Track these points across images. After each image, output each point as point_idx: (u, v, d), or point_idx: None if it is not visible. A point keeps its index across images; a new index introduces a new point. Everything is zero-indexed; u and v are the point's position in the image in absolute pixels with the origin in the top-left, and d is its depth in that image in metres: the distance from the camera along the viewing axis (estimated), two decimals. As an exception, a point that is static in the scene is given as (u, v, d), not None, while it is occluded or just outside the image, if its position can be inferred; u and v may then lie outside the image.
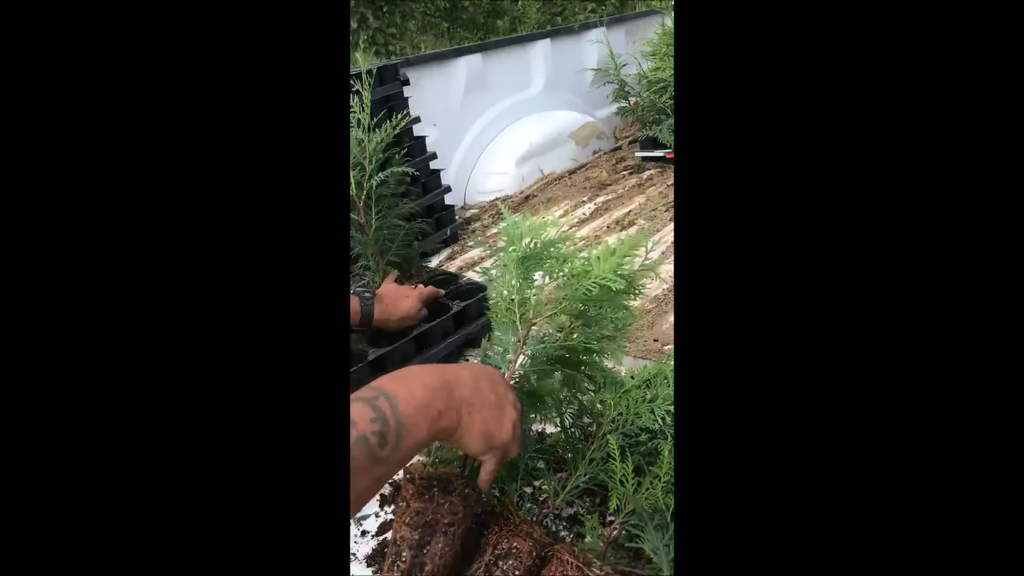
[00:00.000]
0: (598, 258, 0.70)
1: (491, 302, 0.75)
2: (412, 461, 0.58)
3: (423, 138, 1.75)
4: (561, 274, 0.70)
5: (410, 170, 1.24)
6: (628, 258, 0.70)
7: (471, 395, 0.56)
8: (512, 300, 0.72)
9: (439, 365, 0.59)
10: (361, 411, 0.48)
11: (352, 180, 1.13)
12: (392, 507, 0.87)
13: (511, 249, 0.70)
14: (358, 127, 1.17)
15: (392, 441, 0.48)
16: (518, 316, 0.72)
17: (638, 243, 0.70)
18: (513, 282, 0.71)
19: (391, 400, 0.49)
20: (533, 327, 0.72)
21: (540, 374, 0.74)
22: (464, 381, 0.56)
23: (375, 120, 1.19)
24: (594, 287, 0.67)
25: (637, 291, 0.73)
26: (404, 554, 0.63)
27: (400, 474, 0.62)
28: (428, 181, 1.76)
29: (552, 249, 0.70)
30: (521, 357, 0.73)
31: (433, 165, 1.80)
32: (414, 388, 0.52)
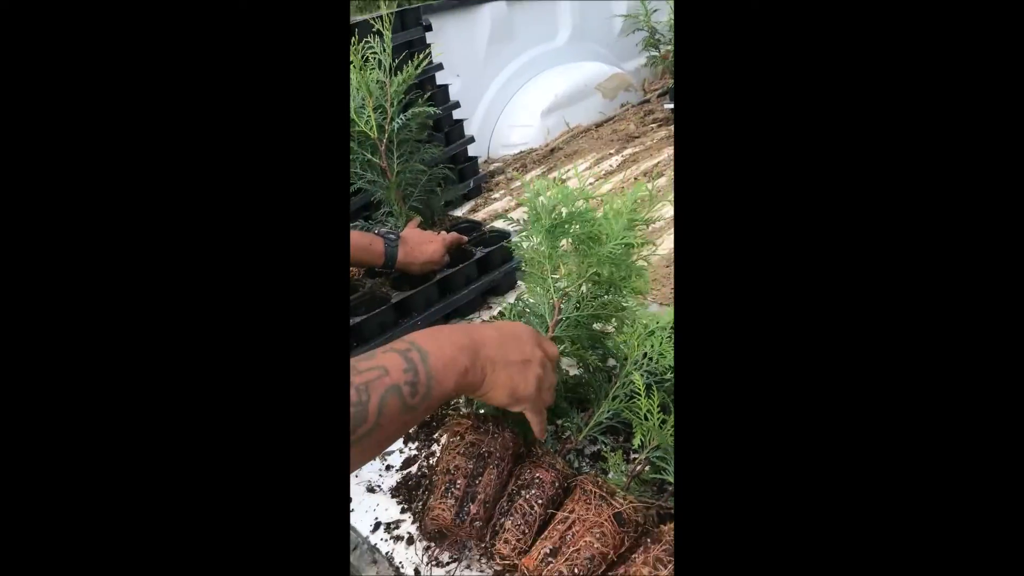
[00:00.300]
0: (608, 219, 0.72)
1: (524, 268, 0.79)
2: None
3: (446, 87, 1.71)
4: (581, 243, 0.73)
5: (432, 110, 1.21)
6: (635, 210, 0.72)
7: (496, 354, 0.59)
8: (544, 266, 0.75)
9: (469, 325, 0.63)
10: (395, 361, 0.51)
11: (374, 122, 1.11)
12: (416, 443, 0.88)
13: (537, 221, 0.73)
14: (379, 68, 1.14)
15: (422, 391, 0.51)
16: (552, 286, 0.75)
17: (638, 192, 0.72)
18: (543, 249, 0.75)
19: (422, 353, 0.53)
20: (567, 296, 0.76)
21: (575, 338, 0.78)
22: (490, 341, 0.59)
23: (396, 63, 1.16)
24: (617, 248, 0.70)
25: (653, 246, 0.76)
26: (459, 482, 0.65)
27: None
28: (451, 131, 1.72)
29: (576, 216, 0.73)
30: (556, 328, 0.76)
31: (456, 115, 1.76)
32: (444, 345, 0.55)
